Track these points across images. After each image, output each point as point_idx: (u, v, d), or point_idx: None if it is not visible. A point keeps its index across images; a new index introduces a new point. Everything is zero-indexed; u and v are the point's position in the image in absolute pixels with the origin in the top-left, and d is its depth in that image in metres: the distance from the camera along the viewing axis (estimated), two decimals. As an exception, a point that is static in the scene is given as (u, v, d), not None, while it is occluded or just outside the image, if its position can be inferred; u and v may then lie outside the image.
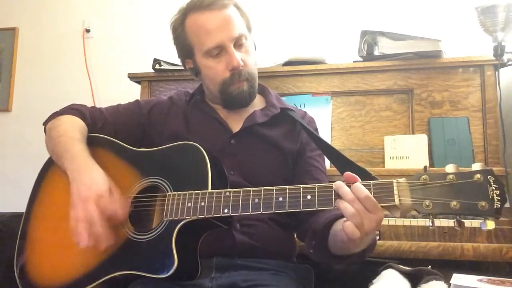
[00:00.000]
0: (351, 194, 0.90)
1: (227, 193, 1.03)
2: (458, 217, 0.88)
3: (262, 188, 1.00)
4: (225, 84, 1.26)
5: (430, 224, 0.90)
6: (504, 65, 1.74)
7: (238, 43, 1.26)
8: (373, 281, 1.15)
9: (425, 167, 0.91)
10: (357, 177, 0.93)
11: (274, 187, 0.99)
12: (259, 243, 1.18)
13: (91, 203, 1.04)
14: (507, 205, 1.54)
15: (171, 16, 1.36)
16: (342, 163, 1.19)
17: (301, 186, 0.98)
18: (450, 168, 0.89)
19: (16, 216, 1.67)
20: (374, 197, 0.90)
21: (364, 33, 1.87)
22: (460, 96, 1.73)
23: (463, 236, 1.44)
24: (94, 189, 1.05)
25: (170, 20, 1.35)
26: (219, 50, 1.24)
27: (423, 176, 0.89)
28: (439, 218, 1.46)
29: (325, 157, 1.35)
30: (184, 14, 1.31)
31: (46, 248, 1.21)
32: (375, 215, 0.90)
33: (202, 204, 1.04)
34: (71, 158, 1.16)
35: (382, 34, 1.84)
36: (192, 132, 1.28)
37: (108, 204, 1.05)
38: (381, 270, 1.19)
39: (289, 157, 1.29)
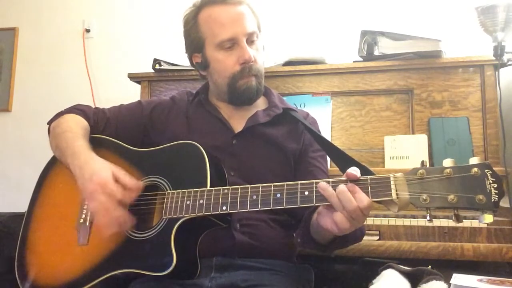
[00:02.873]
0: (341, 205, 0.92)
1: (225, 191, 1.03)
2: (455, 211, 0.88)
3: (260, 185, 1.01)
4: (234, 78, 1.26)
5: (428, 219, 0.90)
6: (504, 65, 1.73)
7: (250, 39, 1.27)
8: (373, 281, 1.15)
9: (422, 161, 0.92)
10: (357, 174, 0.94)
11: (272, 184, 1.00)
12: (259, 243, 1.17)
13: (98, 194, 1.05)
14: (507, 205, 1.55)
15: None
16: (345, 162, 1.19)
17: (299, 182, 0.98)
18: (447, 162, 0.89)
19: (16, 216, 1.68)
20: (371, 192, 0.91)
21: (364, 33, 1.87)
22: (460, 96, 1.73)
23: (463, 236, 1.44)
24: (96, 180, 1.06)
25: (183, 13, 1.35)
26: (232, 43, 1.26)
27: (420, 171, 0.89)
28: (439, 218, 1.46)
29: (328, 157, 1.35)
30: (199, 7, 1.32)
31: (46, 247, 1.21)
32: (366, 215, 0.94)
33: (201, 201, 1.04)
34: (72, 154, 1.17)
35: (382, 34, 1.84)
36: (193, 131, 1.28)
37: (114, 189, 1.05)
38: (381, 270, 1.18)
39: (291, 157, 1.29)
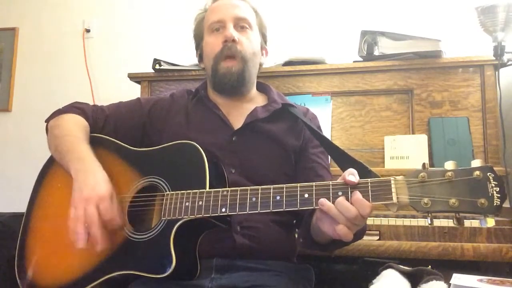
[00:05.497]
0: (342, 217, 0.91)
1: (225, 192, 1.02)
2: (457, 214, 0.86)
3: (259, 187, 1.00)
4: (217, 58, 1.29)
5: (429, 222, 0.89)
6: (504, 65, 1.74)
7: (239, 25, 1.31)
8: (373, 281, 1.15)
9: (423, 164, 0.89)
10: (355, 180, 0.93)
11: (272, 186, 0.99)
12: (259, 245, 1.17)
13: (92, 205, 1.03)
14: (507, 205, 1.55)
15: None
16: (343, 160, 1.18)
17: (299, 184, 0.97)
18: (449, 165, 0.87)
19: (16, 216, 1.68)
20: (372, 195, 0.90)
21: (364, 33, 1.87)
22: (460, 96, 1.73)
23: (463, 236, 1.44)
24: (97, 191, 1.05)
25: (195, 17, 1.43)
26: (220, 26, 1.30)
27: (421, 174, 0.88)
28: (439, 218, 1.46)
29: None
30: (207, 10, 1.39)
31: (46, 248, 1.21)
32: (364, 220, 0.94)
33: (200, 203, 1.03)
34: (76, 158, 1.15)
35: (382, 34, 1.84)
36: (193, 129, 1.28)
37: (108, 208, 1.05)
38: (381, 270, 1.18)
39: (292, 153, 1.29)
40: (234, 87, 1.30)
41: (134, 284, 1.13)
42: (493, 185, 0.83)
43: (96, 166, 1.13)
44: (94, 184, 1.07)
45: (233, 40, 1.26)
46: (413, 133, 1.74)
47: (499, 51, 1.70)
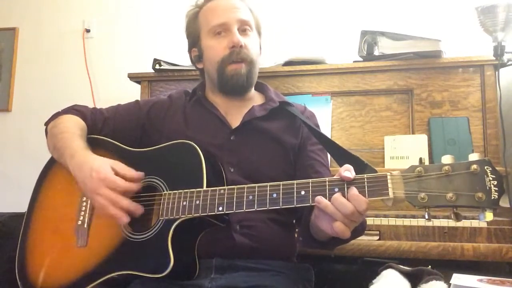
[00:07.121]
0: (339, 213, 0.91)
1: (222, 191, 1.03)
2: (455, 209, 0.86)
3: (256, 185, 1.00)
4: (223, 62, 1.27)
5: (426, 217, 0.88)
6: (504, 65, 1.73)
7: (242, 28, 1.29)
8: (373, 281, 1.14)
9: (420, 159, 0.89)
10: (351, 175, 0.93)
11: (268, 184, 0.99)
12: (259, 244, 1.17)
13: (101, 189, 1.06)
14: (507, 205, 1.55)
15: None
16: (342, 156, 1.18)
17: (295, 181, 0.97)
18: (446, 159, 0.87)
19: (16, 216, 1.67)
20: (368, 191, 0.90)
21: (364, 33, 1.87)
22: (460, 96, 1.73)
23: (463, 236, 1.44)
24: (95, 176, 1.08)
25: (186, 13, 1.40)
26: (223, 29, 1.28)
27: (418, 168, 0.87)
28: (439, 218, 1.46)
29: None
30: (200, 7, 1.36)
31: (46, 248, 1.21)
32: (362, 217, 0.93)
33: (197, 202, 1.04)
34: (71, 154, 1.17)
35: (382, 34, 1.84)
36: (191, 129, 1.28)
37: (116, 182, 1.07)
38: (381, 270, 1.18)
39: (290, 151, 1.29)
40: (244, 87, 1.30)
41: (134, 284, 1.13)
42: (491, 179, 0.83)
43: (88, 156, 1.15)
44: (90, 173, 1.09)
45: (241, 46, 1.26)
46: (413, 133, 1.74)
47: (499, 51, 1.70)
